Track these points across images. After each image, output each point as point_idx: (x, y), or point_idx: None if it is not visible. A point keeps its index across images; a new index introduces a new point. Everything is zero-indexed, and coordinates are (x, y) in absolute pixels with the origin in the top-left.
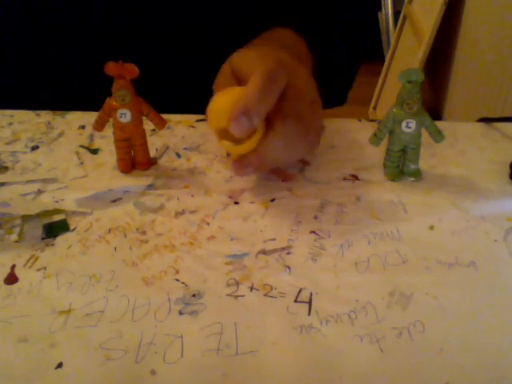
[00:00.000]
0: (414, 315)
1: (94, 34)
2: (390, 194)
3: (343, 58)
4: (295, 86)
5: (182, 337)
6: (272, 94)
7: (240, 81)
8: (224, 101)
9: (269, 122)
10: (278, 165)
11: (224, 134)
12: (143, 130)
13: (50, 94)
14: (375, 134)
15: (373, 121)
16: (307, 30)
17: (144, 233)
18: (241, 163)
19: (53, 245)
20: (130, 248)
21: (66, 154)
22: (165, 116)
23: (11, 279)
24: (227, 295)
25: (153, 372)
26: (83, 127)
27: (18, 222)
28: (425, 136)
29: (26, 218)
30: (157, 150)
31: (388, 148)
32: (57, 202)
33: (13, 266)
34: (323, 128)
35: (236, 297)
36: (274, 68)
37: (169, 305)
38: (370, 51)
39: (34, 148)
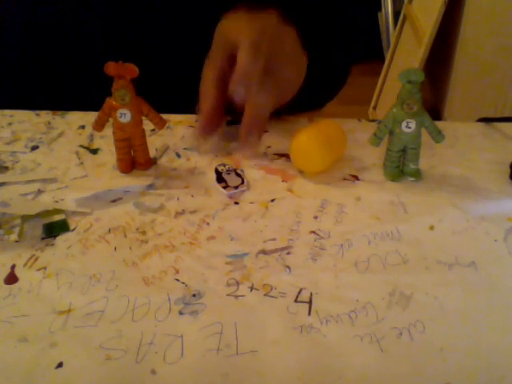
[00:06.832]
0: (414, 315)
1: (94, 34)
2: (389, 194)
3: (336, 56)
4: (281, 50)
5: (182, 337)
6: (258, 62)
7: (230, 45)
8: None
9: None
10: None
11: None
12: (143, 130)
13: (50, 94)
14: (375, 134)
15: (373, 121)
16: (301, 18)
17: (144, 233)
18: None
19: (53, 245)
20: (130, 248)
21: (65, 154)
22: (165, 116)
23: (11, 279)
24: (227, 295)
25: (153, 372)
26: (83, 127)
27: (18, 222)
28: (425, 136)
29: (26, 218)
30: (156, 150)
31: (388, 148)
32: (57, 202)
33: (13, 266)
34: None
35: (236, 297)
36: (257, 38)
37: (169, 305)
38: (369, 51)
39: (34, 148)
